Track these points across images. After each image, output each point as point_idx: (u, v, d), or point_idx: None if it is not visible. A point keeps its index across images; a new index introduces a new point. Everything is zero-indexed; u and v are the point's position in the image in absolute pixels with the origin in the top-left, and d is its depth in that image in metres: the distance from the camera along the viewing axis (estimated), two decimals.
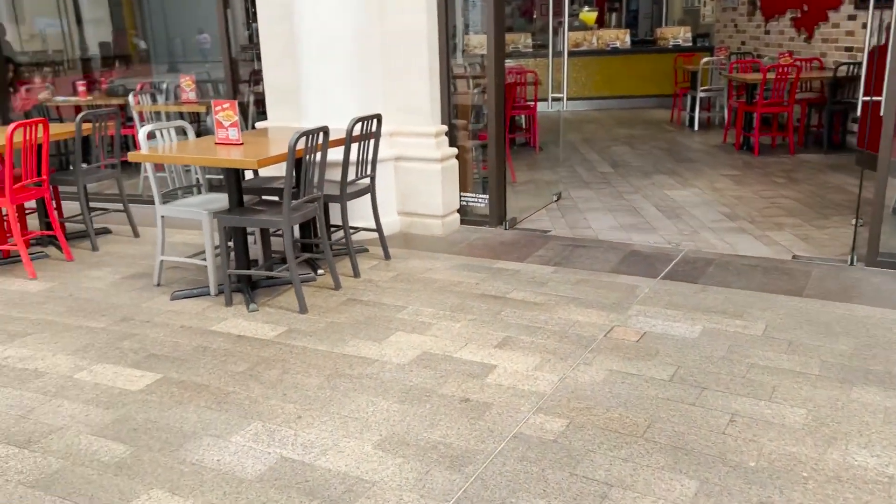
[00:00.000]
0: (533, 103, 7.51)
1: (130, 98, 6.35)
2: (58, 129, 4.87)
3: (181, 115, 6.69)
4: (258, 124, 5.47)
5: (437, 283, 4.10)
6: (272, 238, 4.67)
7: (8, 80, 7.35)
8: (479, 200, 5.27)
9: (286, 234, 3.72)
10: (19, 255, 4.57)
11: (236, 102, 3.92)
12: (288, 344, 3.37)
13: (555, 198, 6.01)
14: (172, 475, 2.38)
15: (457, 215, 5.25)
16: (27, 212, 5.25)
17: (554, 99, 5.52)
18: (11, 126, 4.18)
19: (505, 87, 5.11)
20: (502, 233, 5.10)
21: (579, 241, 4.85)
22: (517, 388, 2.89)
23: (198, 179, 4.54)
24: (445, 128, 5.12)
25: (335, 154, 4.32)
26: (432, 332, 3.46)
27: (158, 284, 4.20)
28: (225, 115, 3.91)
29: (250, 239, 4.44)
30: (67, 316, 3.78)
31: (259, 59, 6.30)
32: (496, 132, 5.05)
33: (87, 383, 3.03)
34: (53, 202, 5.14)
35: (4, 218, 4.92)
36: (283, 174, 4.60)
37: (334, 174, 4.77)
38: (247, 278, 4.01)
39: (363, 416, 2.72)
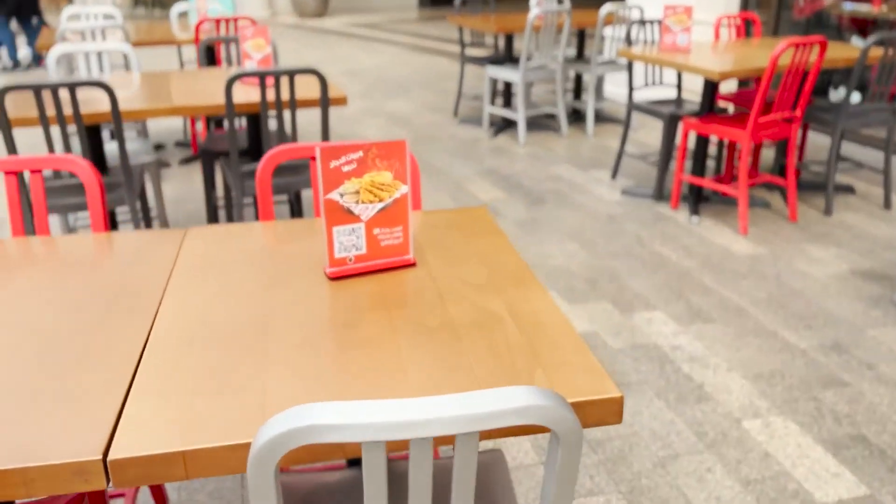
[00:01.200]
0: None
1: None
2: (835, 54, 3.77)
3: None
4: None
5: None
6: None
7: None
8: None
9: None
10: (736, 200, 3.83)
11: None
12: None
13: None
14: None
15: None
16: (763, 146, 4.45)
17: None
18: (782, 43, 3.26)
19: None
20: None
21: None
22: None
23: None
24: None
25: None
26: None
27: None
28: None
29: None
30: (764, 308, 2.87)
31: None
32: None
33: (754, 447, 2.10)
34: (797, 142, 4.18)
35: (737, 152, 4.21)
36: None
37: None
38: None
39: None
